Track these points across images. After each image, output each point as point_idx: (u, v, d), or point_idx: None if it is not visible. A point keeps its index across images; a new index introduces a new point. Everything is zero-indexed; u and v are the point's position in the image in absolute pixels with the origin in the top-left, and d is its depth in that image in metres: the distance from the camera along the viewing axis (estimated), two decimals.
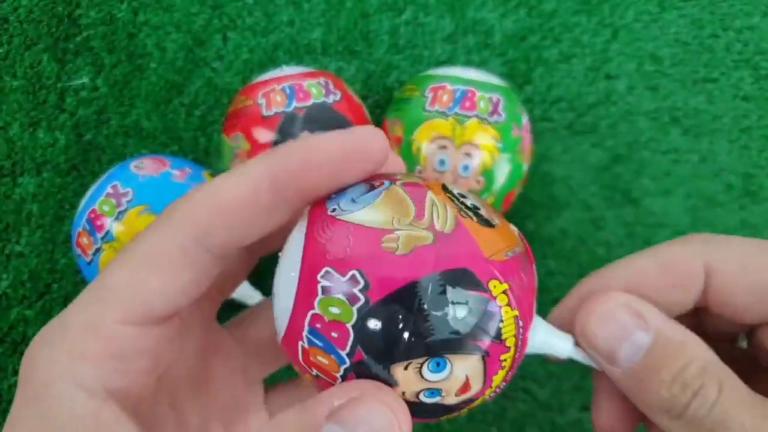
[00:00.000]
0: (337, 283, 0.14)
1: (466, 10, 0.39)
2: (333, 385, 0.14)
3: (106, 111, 0.37)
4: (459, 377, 0.14)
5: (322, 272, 0.14)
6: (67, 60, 0.37)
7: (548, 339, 0.16)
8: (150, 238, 0.16)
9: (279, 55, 0.38)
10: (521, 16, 0.38)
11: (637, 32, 0.38)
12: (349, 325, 0.13)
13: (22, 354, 0.34)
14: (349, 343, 0.13)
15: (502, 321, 0.14)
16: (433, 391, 0.14)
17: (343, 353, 0.14)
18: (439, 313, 0.13)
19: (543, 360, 0.32)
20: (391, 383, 0.14)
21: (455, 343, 0.13)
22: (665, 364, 0.15)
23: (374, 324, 0.13)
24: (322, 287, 0.14)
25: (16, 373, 0.33)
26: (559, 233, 0.35)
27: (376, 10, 0.38)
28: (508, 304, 0.14)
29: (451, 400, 0.14)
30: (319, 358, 0.14)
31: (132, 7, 0.38)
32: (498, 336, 0.14)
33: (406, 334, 0.13)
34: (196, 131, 0.37)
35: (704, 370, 0.15)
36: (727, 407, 0.15)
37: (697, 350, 0.16)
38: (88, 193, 0.29)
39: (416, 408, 0.14)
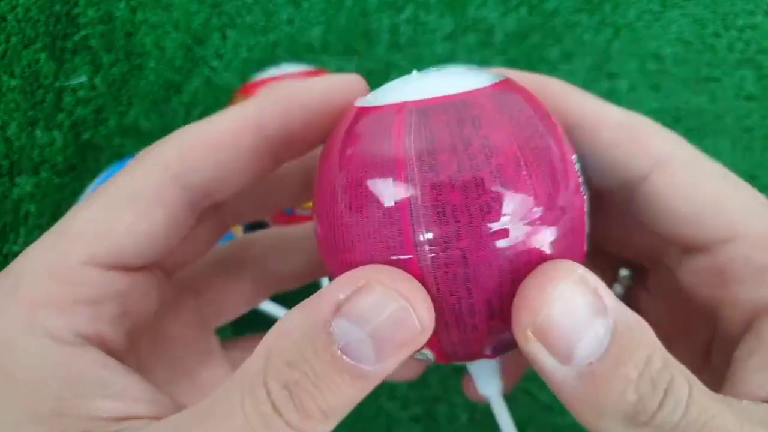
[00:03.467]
0: None
1: (466, 8, 0.38)
2: None
3: (104, 110, 0.37)
4: None
5: None
6: (65, 59, 0.37)
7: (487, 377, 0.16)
8: (122, 178, 0.14)
9: (278, 53, 0.38)
10: (522, 14, 0.38)
11: (639, 31, 0.38)
12: None
13: None
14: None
15: None
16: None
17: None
18: None
19: None
20: None
21: None
22: (630, 358, 0.12)
23: None
24: None
25: None
26: None
27: (376, 8, 0.38)
28: None
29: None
30: None
31: (130, 6, 0.38)
32: None
33: None
34: None
35: (667, 360, 0.12)
36: (705, 406, 0.12)
37: (653, 335, 0.12)
38: (86, 193, 0.29)
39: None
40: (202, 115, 0.36)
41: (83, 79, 0.37)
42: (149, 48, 0.37)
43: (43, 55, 0.37)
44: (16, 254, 0.34)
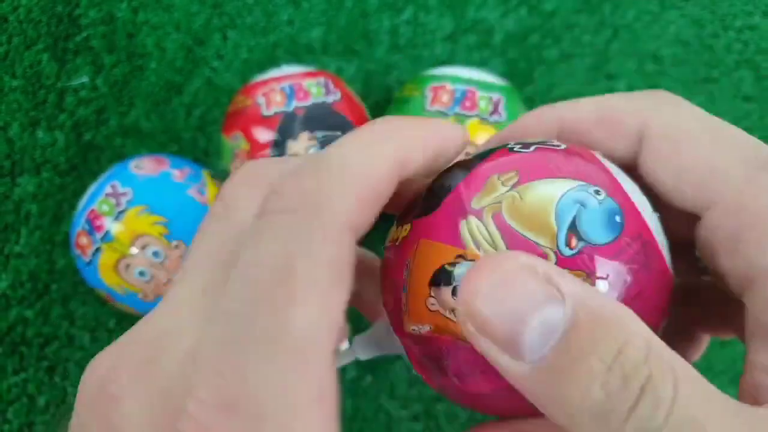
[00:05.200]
0: None
1: (466, 9, 0.38)
2: None
3: (105, 111, 0.37)
4: None
5: None
6: (67, 60, 0.37)
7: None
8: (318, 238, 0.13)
9: (279, 54, 0.38)
10: (522, 15, 0.38)
11: (638, 32, 0.38)
12: None
13: (21, 354, 0.34)
14: None
15: None
16: None
17: None
18: None
19: None
20: None
21: None
22: (594, 348, 0.10)
23: None
24: None
25: (15, 372, 0.33)
26: None
27: (376, 9, 0.38)
28: None
29: None
30: None
31: (132, 7, 0.38)
32: None
33: None
34: (195, 131, 0.37)
35: (649, 353, 0.10)
36: (692, 409, 0.10)
37: (634, 323, 0.11)
38: (88, 193, 0.29)
39: None
40: (202, 116, 0.37)
41: (85, 79, 0.37)
42: (150, 49, 0.38)
43: (45, 56, 0.37)
44: (17, 254, 0.35)
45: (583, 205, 0.12)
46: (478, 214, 0.13)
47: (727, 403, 0.11)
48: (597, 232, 0.12)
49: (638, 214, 0.13)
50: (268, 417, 0.11)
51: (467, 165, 0.14)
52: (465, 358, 0.13)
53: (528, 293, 0.11)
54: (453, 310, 0.13)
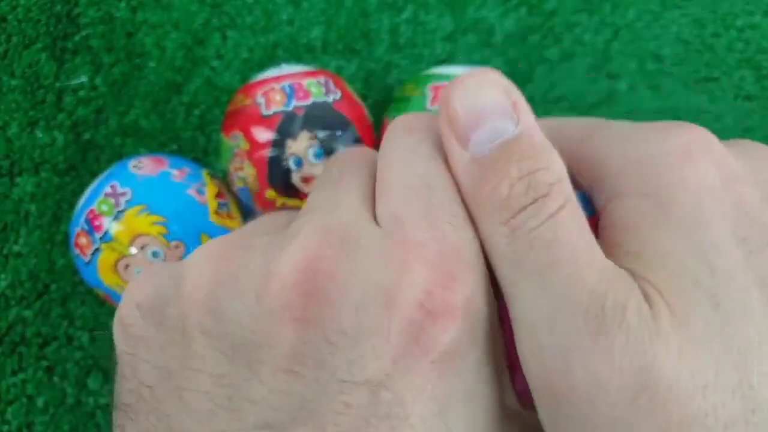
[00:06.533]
0: None
1: (466, 8, 0.38)
2: None
3: (104, 110, 0.37)
4: None
5: None
6: (66, 59, 0.37)
7: None
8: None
9: (278, 53, 0.38)
10: (522, 14, 0.38)
11: (639, 31, 0.38)
12: None
13: (20, 354, 0.34)
14: None
15: None
16: None
17: None
18: None
19: None
20: None
21: None
22: (519, 160, 0.13)
23: None
24: None
25: (14, 373, 0.33)
26: None
27: (376, 8, 0.38)
28: None
29: None
30: None
31: (131, 6, 0.38)
32: None
33: None
34: (195, 131, 0.36)
35: (556, 184, 0.13)
36: (562, 226, 0.13)
37: (557, 163, 0.13)
38: (87, 193, 0.29)
39: None
40: (202, 115, 0.36)
41: (83, 79, 0.37)
42: (149, 48, 0.37)
43: (43, 56, 0.37)
44: (16, 254, 0.34)
45: None
46: None
47: (592, 244, 0.13)
48: None
49: None
50: None
51: None
52: None
53: (495, 104, 0.13)
54: None
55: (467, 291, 0.13)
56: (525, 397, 0.14)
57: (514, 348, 0.13)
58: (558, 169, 0.13)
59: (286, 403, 0.12)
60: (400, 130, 0.16)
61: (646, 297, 0.12)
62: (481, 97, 0.13)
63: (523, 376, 0.13)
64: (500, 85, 0.14)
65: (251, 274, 0.13)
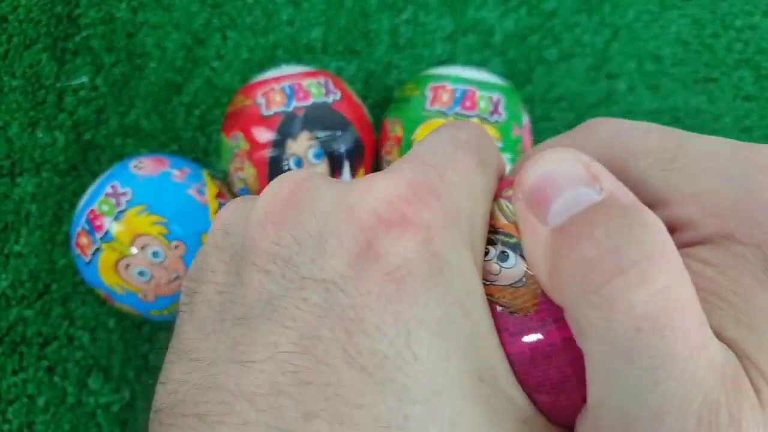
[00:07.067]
0: None
1: (466, 9, 0.38)
2: None
3: (105, 110, 0.37)
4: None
5: None
6: (67, 59, 0.37)
7: None
8: None
9: (279, 54, 0.38)
10: (522, 15, 0.38)
11: (638, 32, 0.38)
12: None
13: (21, 354, 0.34)
14: None
15: None
16: None
17: None
18: None
19: None
20: None
21: None
22: (605, 220, 0.11)
23: None
24: None
25: (15, 372, 0.33)
26: None
27: (376, 9, 0.38)
28: None
29: None
30: None
31: (131, 7, 0.38)
32: None
33: None
34: (195, 131, 0.37)
35: (658, 245, 0.11)
36: (674, 304, 0.10)
37: (651, 217, 0.11)
38: (87, 193, 0.29)
39: None
40: (202, 116, 0.36)
41: (84, 79, 0.37)
42: (150, 48, 0.38)
43: (44, 56, 0.37)
44: (17, 254, 0.35)
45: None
46: (508, 198, 0.15)
47: (705, 332, 0.11)
48: None
49: None
50: None
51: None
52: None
53: (573, 174, 0.12)
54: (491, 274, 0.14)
55: (429, 217, 0.12)
56: (534, 394, 0.14)
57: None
58: (657, 226, 0.11)
59: (258, 299, 0.13)
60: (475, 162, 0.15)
61: (757, 392, 0.10)
62: (559, 168, 0.12)
63: (534, 377, 0.13)
64: (578, 157, 0.12)
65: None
